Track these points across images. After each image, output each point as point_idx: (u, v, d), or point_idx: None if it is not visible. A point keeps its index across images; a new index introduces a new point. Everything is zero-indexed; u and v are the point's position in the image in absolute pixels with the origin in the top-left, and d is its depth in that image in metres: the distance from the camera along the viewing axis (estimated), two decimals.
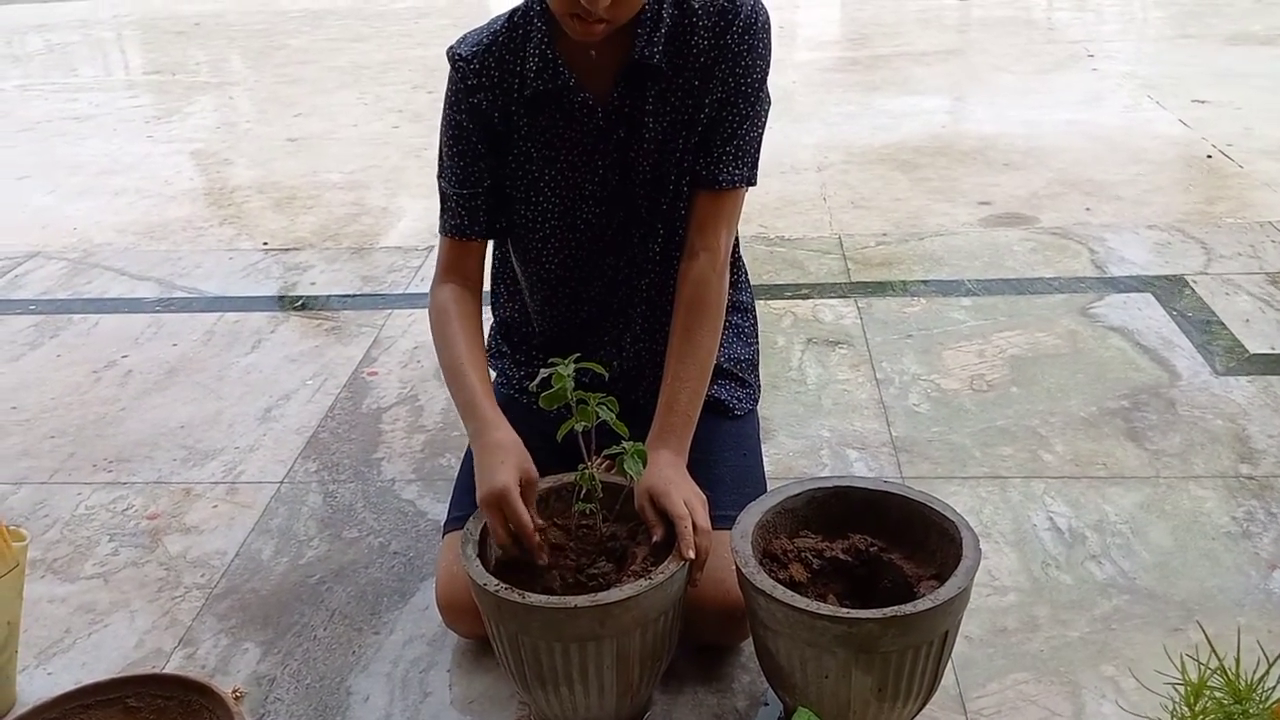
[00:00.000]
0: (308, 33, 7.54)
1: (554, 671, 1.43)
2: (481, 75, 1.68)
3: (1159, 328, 2.66)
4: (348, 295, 3.14)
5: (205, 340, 2.88)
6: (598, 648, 1.41)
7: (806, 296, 2.96)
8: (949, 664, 1.50)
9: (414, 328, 2.88)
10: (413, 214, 3.86)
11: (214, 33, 7.86)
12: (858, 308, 2.86)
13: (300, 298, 3.15)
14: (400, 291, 3.14)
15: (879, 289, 2.98)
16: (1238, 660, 1.11)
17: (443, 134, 1.74)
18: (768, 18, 1.68)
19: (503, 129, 1.71)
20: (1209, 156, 4.02)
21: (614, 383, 1.81)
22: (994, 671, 1.64)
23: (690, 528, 1.47)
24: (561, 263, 1.77)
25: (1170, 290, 2.86)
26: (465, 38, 1.72)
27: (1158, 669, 1.43)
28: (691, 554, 1.46)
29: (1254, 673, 1.10)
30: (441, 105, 1.74)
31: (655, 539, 1.49)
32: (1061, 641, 1.69)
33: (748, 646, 1.64)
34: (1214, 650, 1.11)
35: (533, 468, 1.54)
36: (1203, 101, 4.70)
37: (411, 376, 2.63)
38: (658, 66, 1.64)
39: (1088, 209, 3.54)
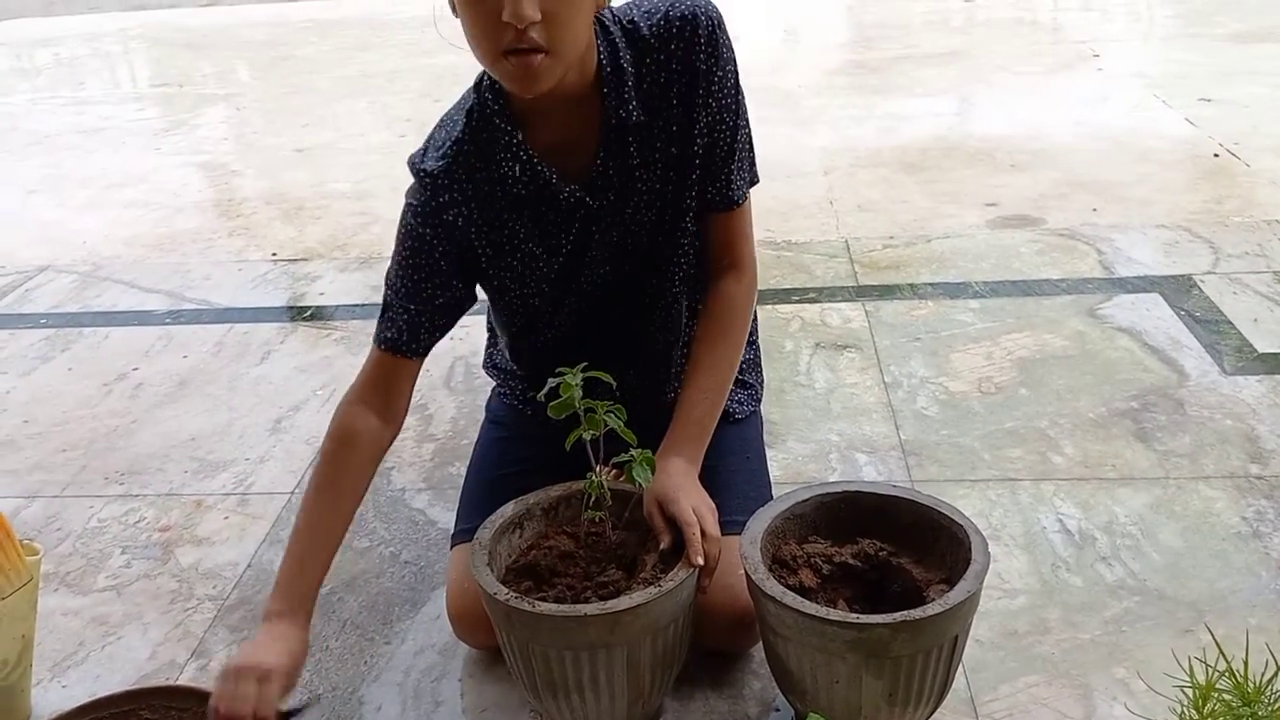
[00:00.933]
0: (315, 43, 7.56)
1: (565, 679, 1.44)
2: (453, 190, 1.60)
3: (1167, 328, 2.65)
4: (356, 305, 3.15)
5: (215, 352, 2.90)
6: (608, 655, 1.42)
7: (814, 300, 2.96)
8: (960, 667, 1.51)
9: None
10: None
11: (221, 44, 7.89)
12: (865, 311, 2.86)
13: (309, 308, 3.16)
14: None
15: (886, 292, 2.98)
16: (1246, 662, 1.11)
17: (399, 242, 1.63)
18: (720, 16, 1.60)
19: (489, 243, 1.64)
20: (1216, 155, 4.01)
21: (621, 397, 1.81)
22: (1005, 674, 1.64)
23: (699, 534, 1.48)
24: (574, 325, 1.74)
25: (1178, 290, 2.85)
26: (427, 150, 1.63)
27: (1169, 671, 1.43)
28: (700, 560, 1.46)
29: (1263, 674, 1.10)
30: (400, 217, 1.63)
31: (663, 545, 1.50)
32: (1072, 644, 1.69)
33: (758, 652, 1.64)
34: (1222, 652, 1.11)
35: (292, 682, 1.46)
36: (1209, 100, 4.69)
37: (420, 386, 2.60)
38: (637, 123, 1.58)
39: (1094, 209, 3.53)
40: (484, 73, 1.57)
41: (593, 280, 1.70)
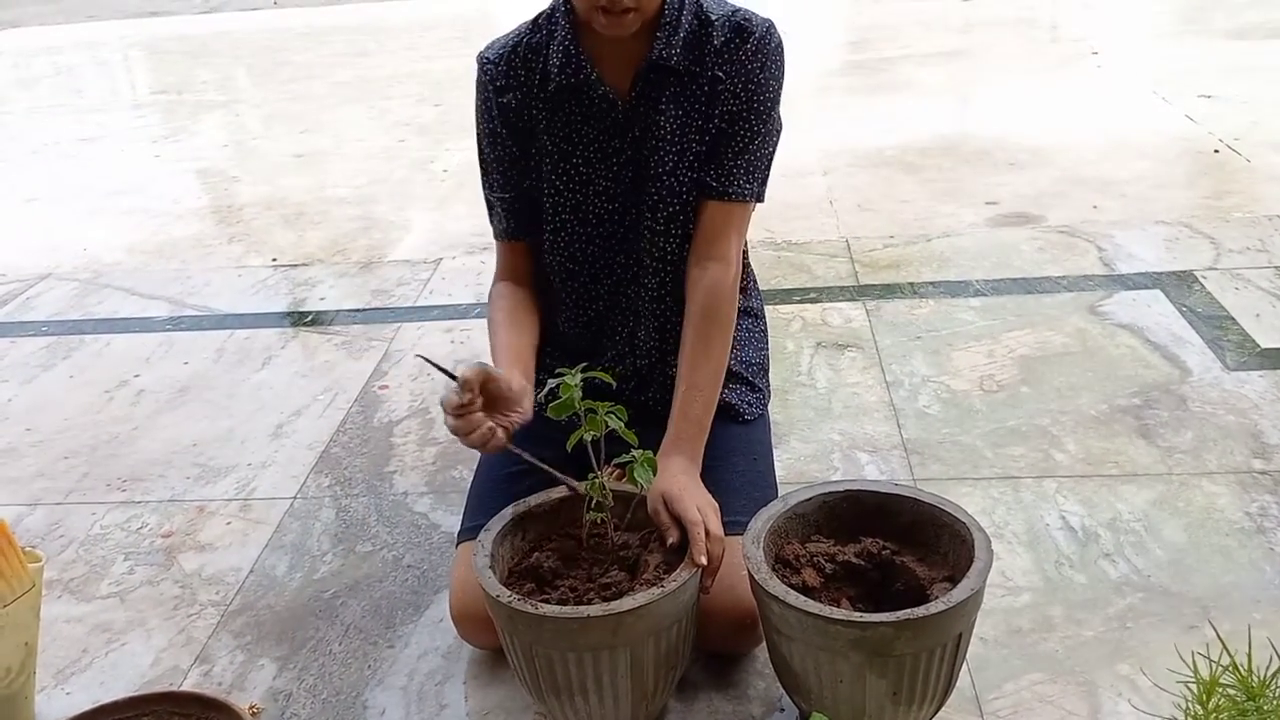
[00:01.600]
0: (313, 49, 7.57)
1: (568, 681, 1.44)
2: (509, 75, 1.74)
3: (1169, 324, 2.65)
4: (357, 310, 3.15)
5: (216, 358, 2.90)
6: (611, 657, 1.42)
7: (815, 300, 2.96)
8: (964, 666, 1.50)
9: (424, 340, 2.89)
10: (421, 227, 3.87)
11: (219, 51, 7.90)
12: (866, 310, 2.86)
13: (310, 313, 3.16)
14: (409, 304, 3.15)
15: (887, 291, 2.98)
16: (1249, 657, 1.11)
17: (480, 142, 1.80)
18: (781, 42, 1.73)
19: (527, 127, 1.75)
20: (1216, 151, 4.01)
21: (626, 382, 1.82)
22: (1009, 672, 1.64)
23: (703, 533, 1.48)
24: (571, 256, 1.80)
25: (1179, 286, 2.85)
26: (492, 43, 1.78)
27: (1174, 667, 1.43)
28: (704, 560, 1.46)
29: (1267, 669, 1.09)
30: (474, 115, 1.79)
31: (670, 542, 1.50)
32: (1077, 641, 1.68)
33: (762, 652, 1.64)
34: (1225, 648, 1.10)
35: (523, 379, 1.62)
36: (1209, 96, 4.69)
37: (422, 389, 2.64)
38: (675, 67, 1.68)
39: (1095, 206, 3.53)
40: None
41: (599, 215, 1.76)
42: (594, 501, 1.55)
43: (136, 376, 2.83)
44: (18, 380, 2.87)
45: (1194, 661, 1.14)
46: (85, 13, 10.05)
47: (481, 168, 1.82)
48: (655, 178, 1.73)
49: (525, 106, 1.74)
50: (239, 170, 4.86)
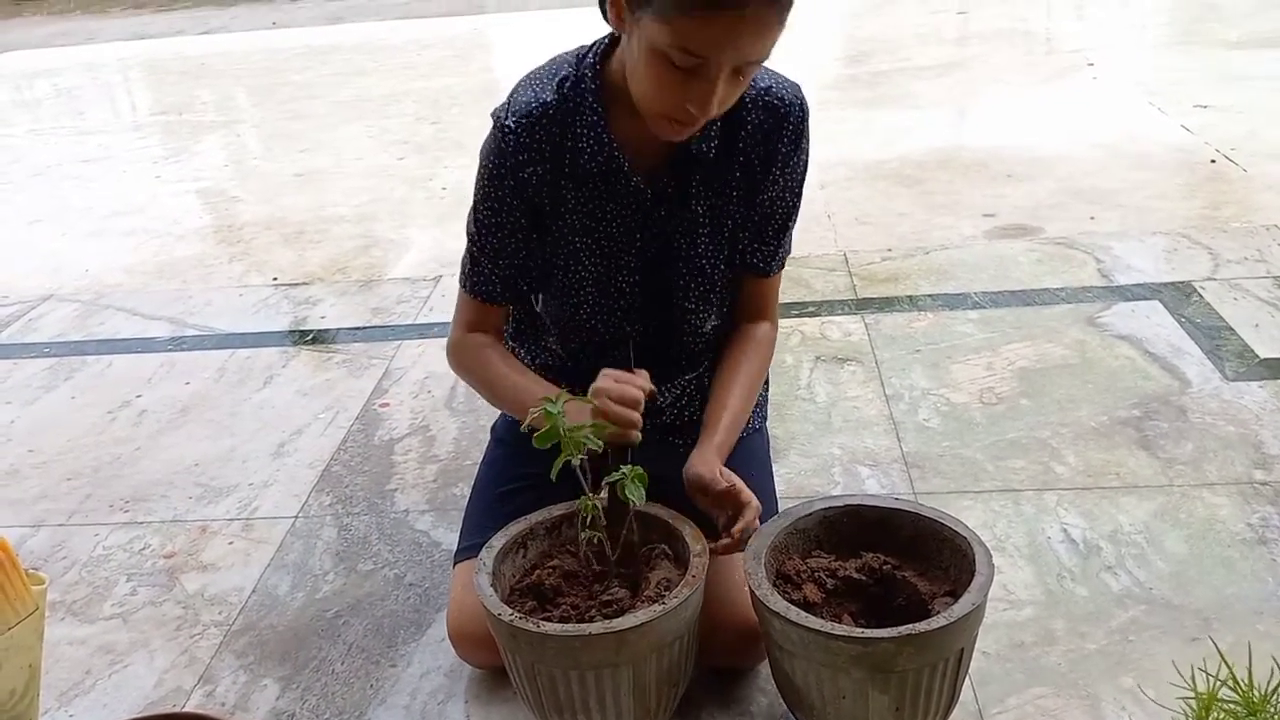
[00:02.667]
0: (312, 68, 7.59)
1: (571, 700, 1.44)
2: (532, 149, 1.63)
3: (1168, 335, 2.65)
4: (358, 328, 3.16)
5: (217, 378, 2.90)
6: (614, 675, 1.42)
7: (814, 314, 2.96)
8: (967, 680, 1.50)
9: (424, 358, 2.90)
10: (420, 245, 3.88)
11: (219, 71, 7.93)
12: (865, 324, 2.86)
13: (311, 332, 3.17)
14: (410, 322, 3.16)
15: (886, 304, 2.98)
16: (1250, 670, 1.11)
17: (481, 202, 1.68)
18: (808, 109, 1.70)
19: (547, 201, 1.67)
20: (1213, 161, 4.02)
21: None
22: (1012, 686, 1.64)
23: (755, 513, 1.55)
24: (594, 327, 1.76)
25: (1178, 297, 2.85)
26: (512, 105, 1.64)
27: (1176, 680, 1.43)
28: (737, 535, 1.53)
29: (1269, 683, 1.09)
30: (478, 165, 1.68)
31: (724, 487, 1.57)
32: (1079, 654, 1.68)
33: (764, 668, 1.64)
34: (1224, 661, 1.11)
35: None
36: (1205, 106, 4.70)
37: (422, 407, 2.65)
38: (708, 159, 1.66)
39: (1092, 218, 3.54)
40: (588, 51, 1.64)
41: (623, 290, 1.74)
42: (589, 520, 1.54)
43: (138, 397, 2.84)
44: (20, 402, 2.88)
45: (1193, 676, 1.14)
46: (85, 34, 10.08)
47: (476, 227, 1.70)
48: (686, 259, 1.71)
49: (546, 183, 1.65)
50: (239, 190, 4.87)
